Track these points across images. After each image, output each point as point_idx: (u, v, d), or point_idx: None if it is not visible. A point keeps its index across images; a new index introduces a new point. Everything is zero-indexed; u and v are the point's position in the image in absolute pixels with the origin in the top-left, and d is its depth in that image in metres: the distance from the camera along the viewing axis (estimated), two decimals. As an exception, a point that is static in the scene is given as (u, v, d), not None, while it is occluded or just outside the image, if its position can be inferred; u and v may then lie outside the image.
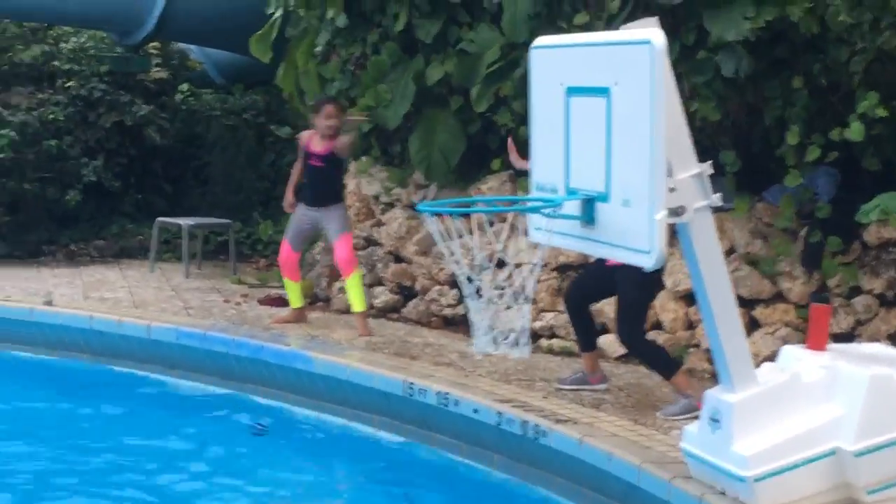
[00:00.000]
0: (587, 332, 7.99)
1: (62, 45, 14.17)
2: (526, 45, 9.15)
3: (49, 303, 10.32)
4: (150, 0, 13.26)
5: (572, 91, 5.86)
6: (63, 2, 13.20)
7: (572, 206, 5.81)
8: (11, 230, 12.93)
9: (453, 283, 9.88)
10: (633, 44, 5.38)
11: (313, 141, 9.75)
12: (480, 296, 5.65)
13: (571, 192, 5.86)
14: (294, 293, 10.01)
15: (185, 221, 12.36)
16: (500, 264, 7.61)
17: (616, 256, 5.65)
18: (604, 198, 5.64)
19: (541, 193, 6.10)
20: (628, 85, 5.44)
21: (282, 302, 10.73)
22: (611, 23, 8.43)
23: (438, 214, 5.71)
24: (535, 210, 5.77)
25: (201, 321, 9.92)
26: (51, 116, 13.10)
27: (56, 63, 13.70)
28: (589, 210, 5.72)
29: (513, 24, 9.08)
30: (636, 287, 7.33)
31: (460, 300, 9.86)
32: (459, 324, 9.86)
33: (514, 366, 8.48)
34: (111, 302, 10.67)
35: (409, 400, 8.07)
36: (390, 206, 10.65)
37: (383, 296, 10.39)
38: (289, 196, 9.90)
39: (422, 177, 10.25)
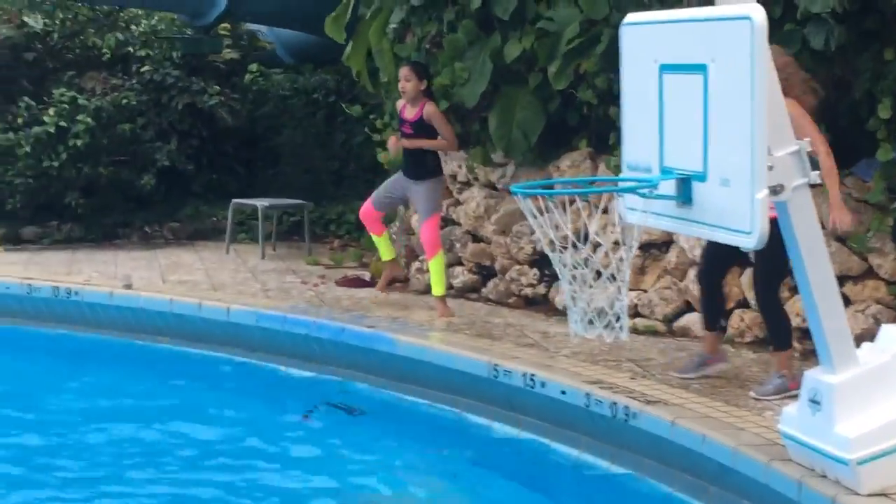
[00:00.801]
0: (717, 311, 7.80)
1: (133, 27, 14.19)
2: (606, 21, 9.14)
3: (129, 286, 10.34)
4: (221, -19, 13.27)
5: (666, 68, 5.75)
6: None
7: (667, 186, 5.70)
8: (87, 213, 12.99)
9: (533, 262, 9.81)
10: (732, 19, 5.25)
11: (406, 108, 9.64)
12: (574, 278, 5.55)
13: (666, 172, 5.75)
14: (382, 245, 9.92)
15: (260, 202, 12.36)
16: (582, 242, 7.52)
17: (715, 237, 5.54)
18: (701, 177, 5.53)
19: (633, 173, 6.00)
20: (726, 62, 5.32)
21: (359, 282, 10.71)
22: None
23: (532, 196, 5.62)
24: (631, 190, 5.66)
25: (281, 303, 9.90)
26: (124, 101, 13.11)
27: (130, 48, 13.70)
28: (685, 190, 5.61)
29: (593, 0, 8.95)
30: (772, 253, 6.97)
31: (541, 279, 9.79)
32: (540, 303, 9.78)
33: (599, 346, 8.38)
34: (189, 284, 10.68)
35: (494, 381, 8.01)
36: (467, 185, 10.57)
37: (462, 276, 10.32)
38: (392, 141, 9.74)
39: (499, 155, 10.15)
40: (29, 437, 8.01)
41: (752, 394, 7.27)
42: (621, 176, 6.12)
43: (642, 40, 5.93)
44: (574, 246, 5.59)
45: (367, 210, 9.82)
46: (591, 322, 5.47)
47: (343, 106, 14.01)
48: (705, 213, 5.54)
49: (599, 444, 7.37)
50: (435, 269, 9.55)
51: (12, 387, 9.21)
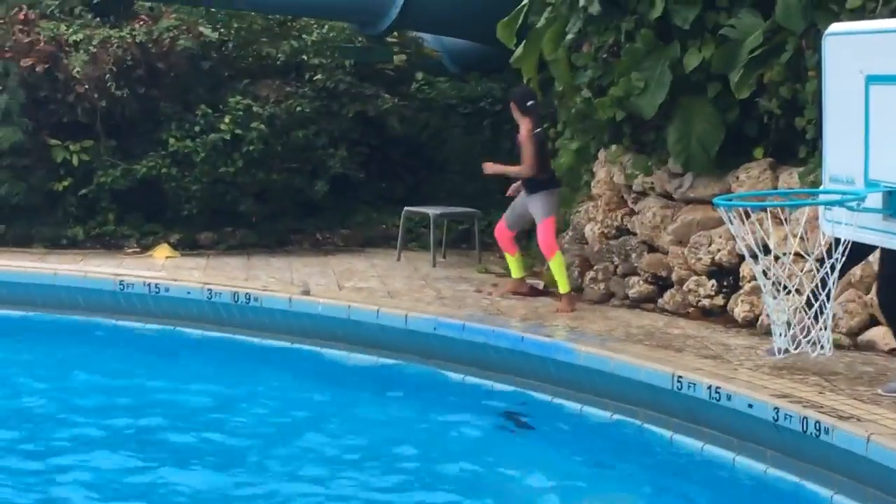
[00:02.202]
0: None
1: (305, 36, 14.39)
2: (792, 32, 9.02)
3: (307, 293, 10.48)
4: (393, -9, 13.40)
5: (873, 79, 5.66)
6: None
7: (874, 199, 5.61)
8: (260, 220, 13.21)
9: (711, 273, 9.70)
10: (950, 29, 5.16)
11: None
12: (778, 291, 5.48)
13: (872, 185, 5.67)
14: (512, 264, 10.73)
15: (432, 210, 12.44)
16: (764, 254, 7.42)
17: (926, 251, 5.43)
18: (911, 190, 5.43)
19: (836, 185, 5.92)
20: (941, 73, 5.22)
21: (534, 292, 10.71)
22: (886, 5, 8.14)
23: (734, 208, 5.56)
24: (838, 203, 5.58)
25: (458, 311, 9.95)
26: (298, 108, 13.30)
27: (303, 56, 13.90)
28: (893, 203, 5.52)
29: (786, 9, 8.82)
30: None
31: (719, 290, 9.68)
32: (718, 315, 9.67)
33: (783, 360, 8.23)
34: (366, 292, 10.79)
35: (677, 394, 7.94)
36: (643, 195, 10.51)
37: (637, 286, 10.26)
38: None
39: (678, 166, 10.07)
40: (226, 442, 8.20)
41: (879, 391, 7.02)
42: (822, 188, 6.03)
43: (847, 50, 5.86)
44: (777, 259, 5.51)
45: (501, 230, 10.74)
46: (794, 337, 5.37)
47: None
48: (915, 226, 5.44)
49: (788, 459, 7.26)
50: (556, 269, 10.21)
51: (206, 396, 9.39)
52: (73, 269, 11.61)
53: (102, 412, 8.74)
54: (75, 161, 12.79)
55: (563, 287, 10.16)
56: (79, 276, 11.34)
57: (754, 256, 5.55)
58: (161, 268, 11.85)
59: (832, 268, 5.66)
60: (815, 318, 5.63)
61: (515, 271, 10.74)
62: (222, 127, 12.86)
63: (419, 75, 15.23)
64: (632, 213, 10.60)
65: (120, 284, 11.06)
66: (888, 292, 7.48)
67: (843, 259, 7.04)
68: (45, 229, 12.93)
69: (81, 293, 11.19)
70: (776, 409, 7.26)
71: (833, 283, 5.69)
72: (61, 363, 10.09)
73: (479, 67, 15.37)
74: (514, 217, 10.68)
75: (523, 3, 11.44)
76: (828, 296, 5.58)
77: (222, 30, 13.94)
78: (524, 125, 10.37)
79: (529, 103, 10.46)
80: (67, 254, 12.51)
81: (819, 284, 5.57)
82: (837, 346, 8.69)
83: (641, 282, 10.27)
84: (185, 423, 8.54)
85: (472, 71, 15.39)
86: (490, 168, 10.74)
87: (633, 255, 10.36)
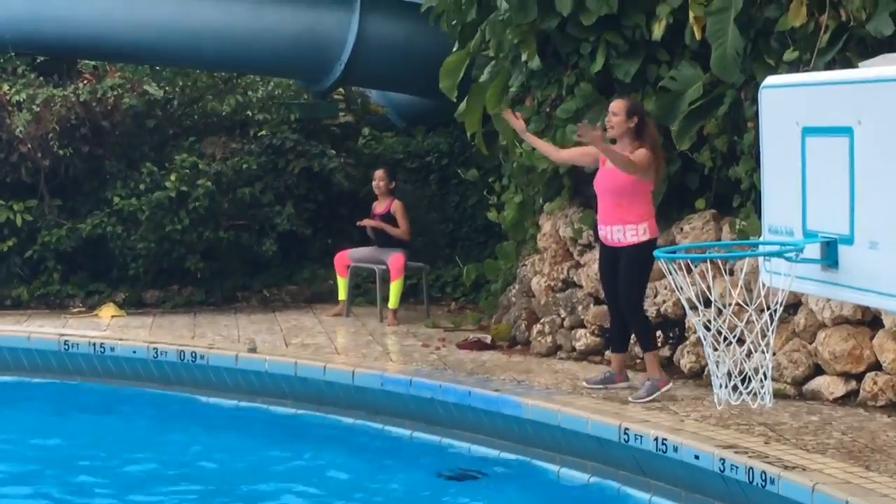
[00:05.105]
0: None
1: (250, 93, 14.40)
2: (730, 83, 9.12)
3: (253, 350, 10.43)
4: (337, 47, 13.43)
5: (809, 131, 5.72)
6: (252, 52, 13.44)
7: (812, 250, 5.66)
8: (207, 277, 13.15)
9: (657, 325, 9.72)
10: (881, 81, 5.22)
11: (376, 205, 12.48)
12: (718, 343, 5.51)
13: (810, 235, 5.71)
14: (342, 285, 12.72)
15: (377, 266, 12.43)
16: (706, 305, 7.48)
17: (864, 302, 5.48)
18: (848, 240, 5.48)
19: (774, 237, 5.97)
20: (874, 124, 5.28)
21: (481, 345, 10.72)
22: (821, 58, 8.26)
23: (674, 261, 5.59)
24: (777, 254, 5.62)
25: (405, 366, 9.93)
26: (244, 165, 13.29)
27: (248, 112, 13.91)
28: (831, 253, 5.57)
29: (722, 62, 8.91)
30: None
31: (665, 342, 9.72)
32: (664, 366, 9.65)
33: (728, 410, 8.25)
34: (312, 348, 10.76)
35: (625, 446, 7.95)
36: (589, 247, 10.55)
37: (584, 338, 10.27)
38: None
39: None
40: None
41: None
42: (762, 239, 6.07)
43: (783, 102, 5.92)
44: (719, 311, 5.55)
45: (344, 258, 12.62)
46: (734, 388, 5.40)
47: (458, 171, 14.06)
48: (853, 276, 5.48)
49: (734, 509, 7.29)
50: (395, 289, 12.13)
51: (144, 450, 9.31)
52: (17, 329, 11.50)
53: (39, 474, 8.71)
54: (19, 221, 12.70)
55: (393, 304, 12.12)
56: (23, 337, 11.24)
57: (694, 308, 5.58)
58: (106, 327, 11.77)
59: (770, 318, 5.70)
60: (755, 369, 5.65)
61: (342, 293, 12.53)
62: (168, 185, 12.80)
63: (366, 131, 15.26)
64: (578, 265, 10.63)
65: (65, 345, 10.97)
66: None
67: None
68: (-12, 290, 12.84)
69: (26, 354, 11.09)
70: (722, 459, 7.28)
71: (772, 333, 5.72)
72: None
73: (425, 121, 15.42)
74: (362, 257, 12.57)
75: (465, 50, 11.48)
76: (767, 346, 5.61)
77: (167, 87, 13.94)
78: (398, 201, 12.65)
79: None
80: (11, 314, 12.40)
81: (759, 335, 5.60)
82: (783, 395, 8.76)
83: (588, 334, 10.29)
84: (132, 486, 8.47)
85: (418, 125, 15.44)
86: (373, 224, 12.62)
87: (580, 308, 10.38)
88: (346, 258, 12.59)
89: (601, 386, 9.06)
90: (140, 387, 10.72)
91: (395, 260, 12.31)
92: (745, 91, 9.07)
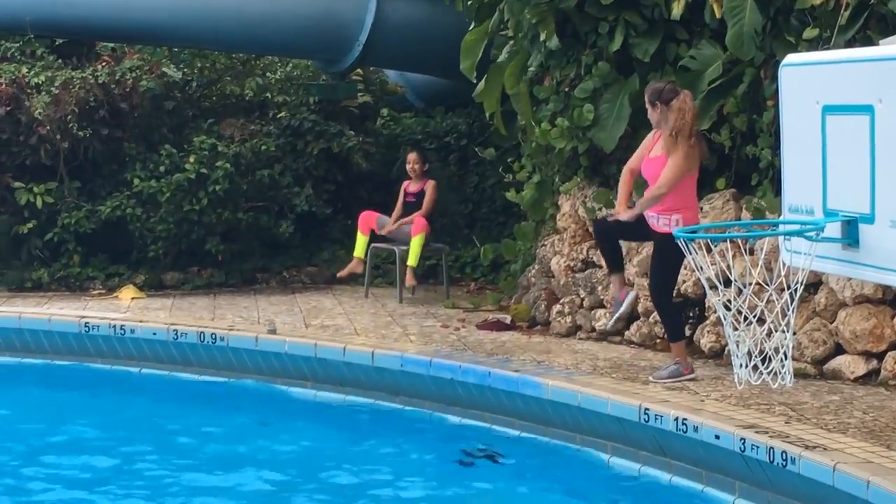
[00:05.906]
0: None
1: (269, 74, 14.40)
2: (750, 62, 9.07)
3: (273, 331, 10.44)
4: (356, 28, 13.41)
5: (829, 109, 5.69)
6: (270, 32, 13.43)
7: (832, 229, 5.63)
8: (226, 259, 13.16)
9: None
10: (902, 59, 5.19)
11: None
12: (739, 323, 5.49)
13: (831, 214, 5.68)
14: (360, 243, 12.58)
15: (398, 247, 12.42)
16: (726, 285, 7.45)
17: (885, 281, 5.46)
18: (868, 219, 5.45)
19: (794, 216, 5.94)
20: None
21: (501, 326, 10.71)
22: (841, 36, 8.20)
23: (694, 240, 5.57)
24: (797, 234, 5.59)
25: (424, 347, 9.93)
26: (263, 147, 13.29)
27: (267, 94, 13.91)
28: (852, 232, 5.54)
29: (738, 40, 8.87)
30: None
31: (686, 321, 9.66)
32: (686, 346, 9.63)
33: (749, 390, 8.23)
34: (332, 329, 10.76)
35: (644, 426, 7.94)
36: (608, 227, 10.50)
37: (604, 318, 10.25)
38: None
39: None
40: (196, 483, 8.17)
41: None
42: (782, 218, 6.05)
43: (803, 81, 5.89)
44: (740, 291, 5.52)
45: (371, 218, 12.57)
46: (755, 368, 5.38)
47: (476, 150, 14.04)
48: (873, 255, 5.46)
49: (755, 489, 7.27)
50: (415, 244, 12.05)
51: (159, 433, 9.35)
52: (38, 311, 11.54)
53: (72, 451, 8.76)
54: (39, 203, 12.72)
55: (412, 262, 12.02)
56: (43, 319, 11.27)
57: (714, 287, 5.55)
58: (127, 309, 11.79)
59: (791, 297, 5.67)
60: (776, 349, 5.63)
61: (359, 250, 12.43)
62: (187, 166, 12.80)
63: (384, 111, 15.24)
64: (597, 245, 10.58)
65: (85, 327, 11.00)
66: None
67: None
68: (9, 273, 12.86)
69: (46, 336, 11.13)
70: (743, 439, 7.27)
71: (792, 312, 5.69)
72: (27, 406, 10.08)
73: (443, 102, 15.41)
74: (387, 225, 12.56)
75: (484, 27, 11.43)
76: (787, 325, 5.58)
77: (186, 69, 13.94)
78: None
79: None
80: (32, 297, 12.43)
81: (779, 314, 5.58)
82: (803, 375, 8.73)
83: (608, 314, 10.27)
84: (158, 464, 8.51)
85: (436, 105, 15.41)
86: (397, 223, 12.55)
87: (600, 288, 10.36)
88: (373, 220, 12.53)
89: (671, 380, 8.65)
90: (160, 369, 10.73)
91: (418, 220, 12.27)
92: (765, 69, 9.02)
